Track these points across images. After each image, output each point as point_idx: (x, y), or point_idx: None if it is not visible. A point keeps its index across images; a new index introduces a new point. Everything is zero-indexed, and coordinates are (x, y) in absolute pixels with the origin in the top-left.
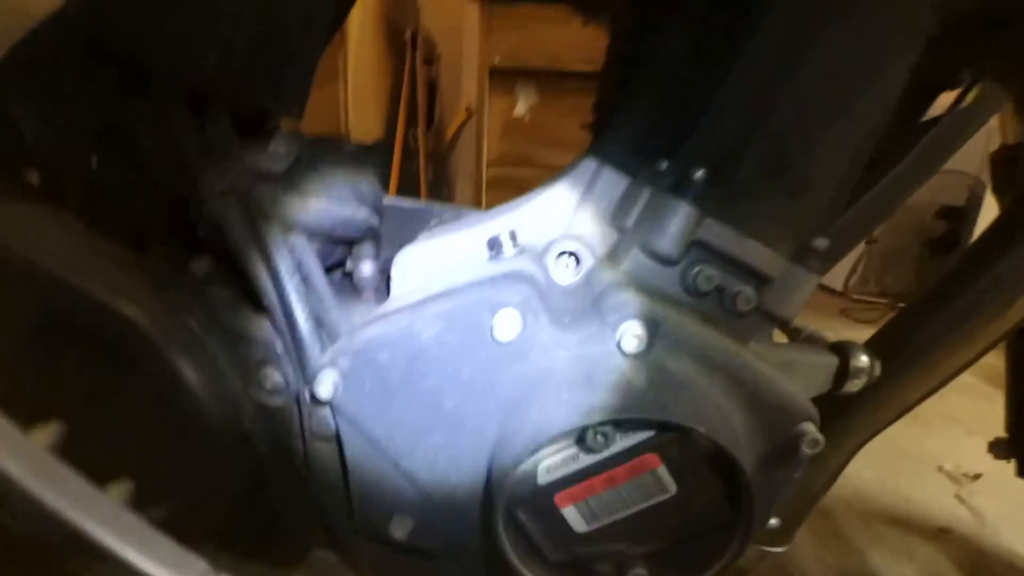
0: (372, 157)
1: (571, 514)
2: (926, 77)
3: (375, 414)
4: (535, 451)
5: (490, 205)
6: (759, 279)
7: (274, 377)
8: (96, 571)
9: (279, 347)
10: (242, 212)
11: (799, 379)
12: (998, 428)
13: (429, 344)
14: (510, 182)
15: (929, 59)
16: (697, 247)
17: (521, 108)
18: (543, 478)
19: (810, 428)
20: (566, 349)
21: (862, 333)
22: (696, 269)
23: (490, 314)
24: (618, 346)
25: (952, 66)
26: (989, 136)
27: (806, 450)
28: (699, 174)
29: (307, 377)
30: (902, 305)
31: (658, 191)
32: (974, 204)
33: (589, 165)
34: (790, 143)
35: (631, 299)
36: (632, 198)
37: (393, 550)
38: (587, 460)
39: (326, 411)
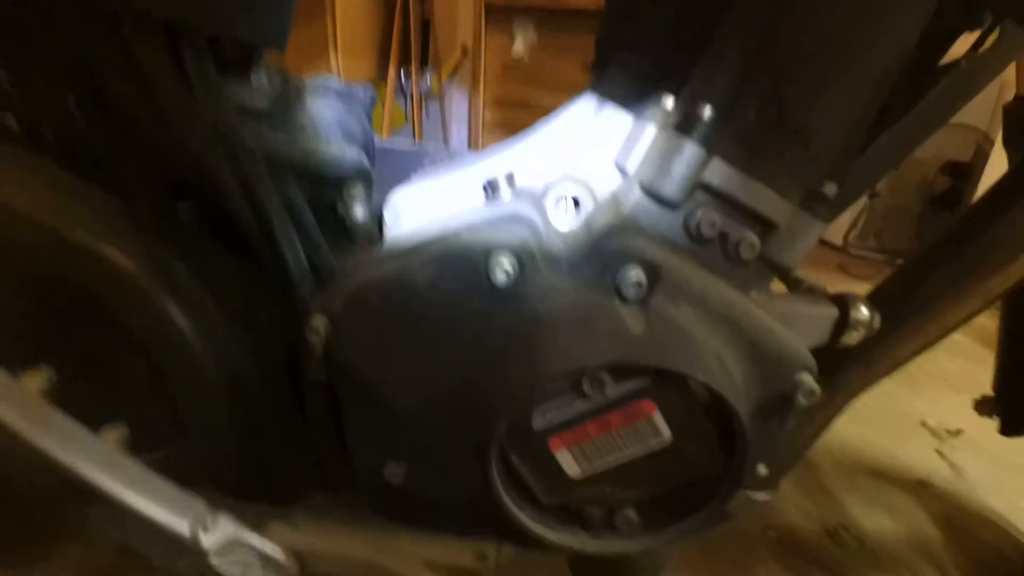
0: (362, 96)
1: (565, 458)
2: (944, 18)
3: (368, 359)
4: (530, 395)
5: (487, 147)
6: (764, 225)
7: (264, 321)
8: (94, 515)
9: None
10: (225, 151)
11: (798, 329)
12: (984, 387)
13: (423, 288)
14: (508, 125)
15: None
16: (701, 190)
17: (519, 48)
18: (537, 423)
19: (807, 379)
20: (563, 294)
21: (858, 289)
22: (699, 213)
23: (485, 257)
24: (616, 291)
25: (971, 6)
26: (1000, 90)
27: (802, 400)
28: (707, 112)
29: (298, 321)
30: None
31: (663, 130)
32: (980, 160)
33: (590, 103)
34: (797, 83)
35: (631, 244)
36: (635, 138)
37: (388, 493)
38: (582, 406)
39: (318, 355)
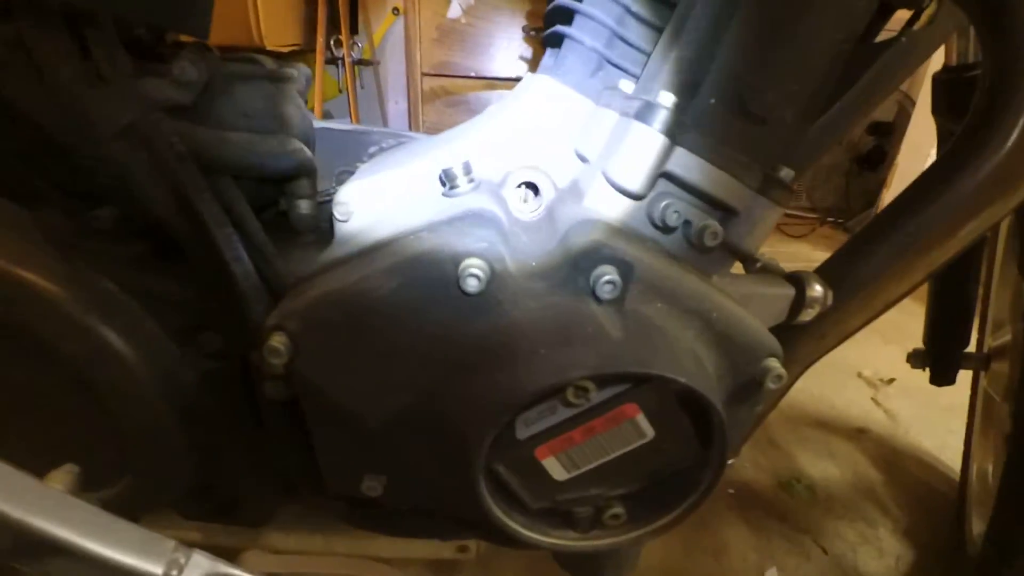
0: (294, 74)
1: (551, 464)
2: None
3: (333, 376)
4: (514, 412)
5: (428, 120)
6: (726, 211)
7: (213, 340)
8: (55, 570)
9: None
10: (149, 153)
11: (758, 310)
12: (910, 337)
13: (387, 299)
14: (448, 94)
15: None
16: (664, 179)
17: (456, 9)
18: (522, 432)
19: (774, 364)
20: (536, 297)
21: (795, 247)
22: (665, 203)
23: (454, 264)
24: (592, 293)
25: None
26: None
27: (770, 385)
28: (668, 100)
29: (252, 339)
30: (831, 220)
31: (624, 117)
32: (902, 120)
33: (544, 83)
34: (754, 65)
35: (602, 241)
36: (595, 125)
37: (364, 504)
38: (566, 413)
39: (277, 375)
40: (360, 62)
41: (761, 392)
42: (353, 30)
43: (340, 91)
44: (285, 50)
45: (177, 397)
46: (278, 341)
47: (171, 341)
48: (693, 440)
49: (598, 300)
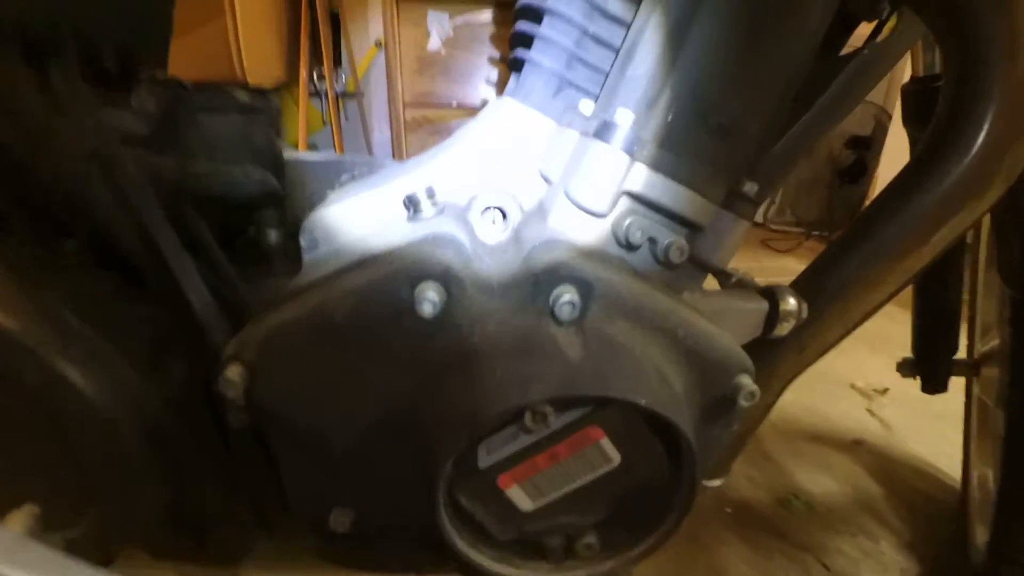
0: (266, 105)
1: (516, 494)
2: (844, 8)
3: (293, 404)
4: (472, 438)
5: (411, 149)
6: (691, 227)
7: (179, 367)
8: None
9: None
10: (108, 182)
11: (732, 326)
12: (899, 345)
13: (345, 324)
14: (430, 123)
15: None
16: (627, 196)
17: (435, 41)
18: (483, 461)
19: (746, 381)
20: (496, 320)
21: (782, 262)
22: (628, 221)
23: (410, 287)
24: (551, 314)
25: None
26: (894, 69)
27: (743, 403)
28: (626, 118)
29: (212, 368)
30: (816, 233)
31: (584, 136)
32: (880, 133)
33: (507, 106)
34: (713, 79)
35: (562, 261)
36: (557, 146)
37: (336, 539)
38: (527, 439)
39: (239, 403)
40: (344, 94)
41: (735, 410)
42: (336, 63)
43: (324, 123)
44: (268, 84)
45: (142, 427)
46: (233, 372)
47: (135, 369)
48: (664, 463)
49: (558, 321)
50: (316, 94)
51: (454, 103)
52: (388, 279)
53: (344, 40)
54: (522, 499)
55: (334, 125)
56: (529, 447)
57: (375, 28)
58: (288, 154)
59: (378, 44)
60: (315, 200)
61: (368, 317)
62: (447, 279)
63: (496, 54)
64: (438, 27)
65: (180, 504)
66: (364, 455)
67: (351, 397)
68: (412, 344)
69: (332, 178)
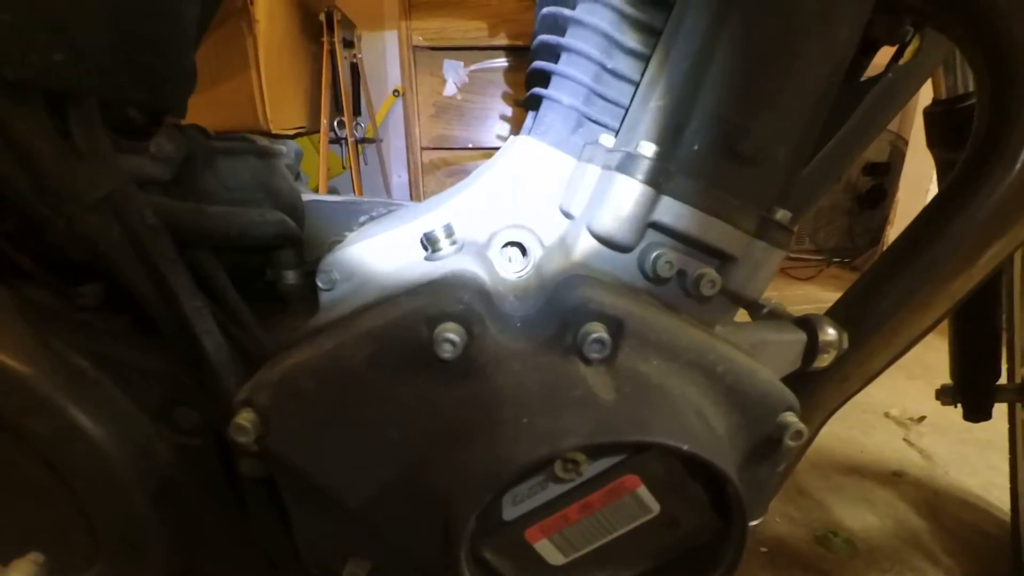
0: (285, 149)
1: (545, 548)
2: (867, 32)
3: (309, 452)
4: (497, 490)
5: (428, 190)
6: (722, 258)
7: (190, 416)
8: None
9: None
10: (122, 227)
11: (769, 360)
12: (936, 371)
13: (361, 368)
14: (447, 165)
15: (871, 12)
16: (653, 229)
17: (451, 88)
18: (509, 512)
19: (792, 419)
20: (520, 361)
21: (804, 290)
22: (655, 253)
23: (428, 328)
24: (579, 353)
25: (893, 18)
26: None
27: (789, 442)
28: (649, 149)
29: (225, 414)
30: (837, 260)
31: (607, 170)
32: (897, 159)
33: (525, 144)
34: (738, 106)
35: (589, 296)
36: (578, 181)
37: None
38: (557, 489)
39: (251, 451)
40: (363, 140)
41: (780, 450)
42: (356, 111)
43: (344, 168)
44: (291, 132)
45: (151, 476)
46: (245, 418)
47: (146, 417)
48: (707, 511)
49: (587, 360)
50: (336, 141)
51: (470, 145)
52: (406, 319)
53: (363, 89)
54: (552, 553)
55: (353, 170)
56: (559, 498)
57: (393, 77)
58: (307, 197)
59: (396, 93)
60: (334, 242)
61: (387, 358)
62: (467, 318)
63: (511, 96)
64: (454, 75)
65: (189, 554)
66: (382, 505)
67: (369, 445)
68: (434, 387)
69: (351, 220)
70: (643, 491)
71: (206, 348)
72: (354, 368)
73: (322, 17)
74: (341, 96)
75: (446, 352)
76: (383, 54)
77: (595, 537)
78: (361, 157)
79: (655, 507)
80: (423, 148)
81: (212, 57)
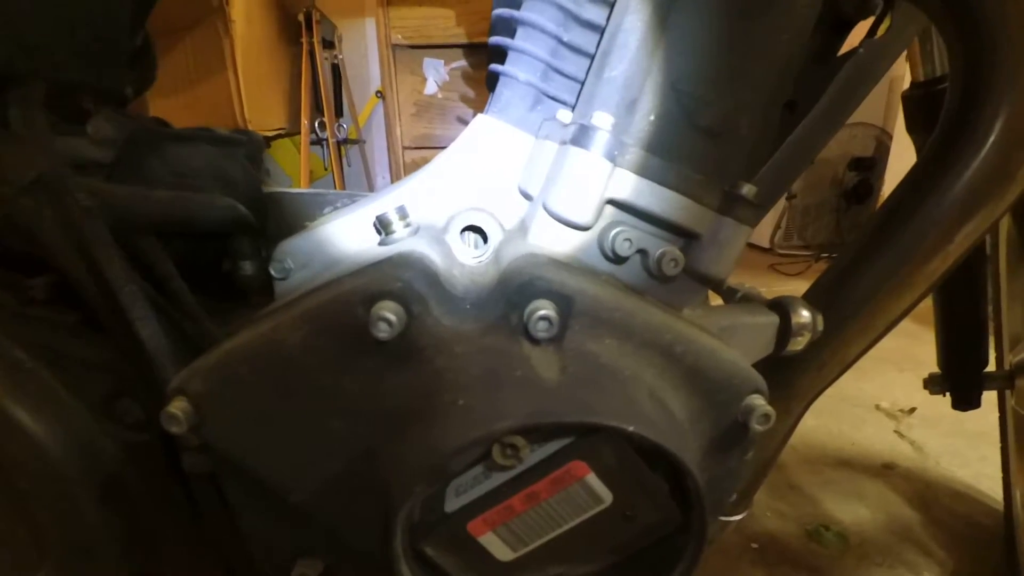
0: (245, 140)
1: (491, 541)
2: (838, 9)
3: (247, 443)
4: (429, 479)
5: None
6: (685, 236)
7: (134, 409)
8: None
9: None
10: (55, 210)
11: (741, 344)
12: (925, 363)
13: (297, 352)
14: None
15: None
16: (612, 206)
17: (432, 86)
18: (451, 504)
19: (758, 401)
20: (465, 343)
21: (792, 286)
22: (614, 231)
23: (365, 308)
24: (526, 333)
25: None
26: (891, 86)
27: (756, 427)
28: (605, 120)
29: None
30: (826, 255)
31: (563, 145)
32: (882, 153)
33: (483, 123)
34: (694, 76)
35: (537, 274)
36: (535, 159)
37: None
38: (499, 478)
39: (192, 444)
40: (346, 141)
41: (748, 436)
42: (338, 113)
43: (326, 170)
44: (270, 133)
45: (95, 473)
46: (177, 407)
47: (89, 411)
48: (667, 503)
49: (533, 340)
50: (318, 142)
51: (450, 143)
52: (341, 298)
53: (345, 91)
54: (500, 548)
55: (335, 171)
56: (502, 487)
57: (376, 78)
58: (269, 188)
59: (378, 94)
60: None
61: (323, 340)
62: (406, 297)
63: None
64: (434, 73)
65: (140, 555)
66: (328, 500)
67: (310, 434)
68: (373, 370)
69: (314, 211)
70: (592, 479)
71: (140, 335)
72: (291, 352)
73: (301, 17)
74: (323, 97)
75: (382, 332)
76: (365, 54)
77: (544, 530)
78: (344, 158)
79: (607, 497)
80: (405, 147)
81: (189, 58)
